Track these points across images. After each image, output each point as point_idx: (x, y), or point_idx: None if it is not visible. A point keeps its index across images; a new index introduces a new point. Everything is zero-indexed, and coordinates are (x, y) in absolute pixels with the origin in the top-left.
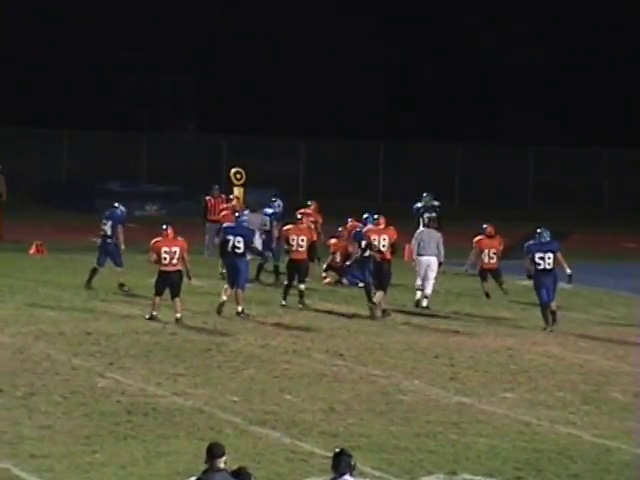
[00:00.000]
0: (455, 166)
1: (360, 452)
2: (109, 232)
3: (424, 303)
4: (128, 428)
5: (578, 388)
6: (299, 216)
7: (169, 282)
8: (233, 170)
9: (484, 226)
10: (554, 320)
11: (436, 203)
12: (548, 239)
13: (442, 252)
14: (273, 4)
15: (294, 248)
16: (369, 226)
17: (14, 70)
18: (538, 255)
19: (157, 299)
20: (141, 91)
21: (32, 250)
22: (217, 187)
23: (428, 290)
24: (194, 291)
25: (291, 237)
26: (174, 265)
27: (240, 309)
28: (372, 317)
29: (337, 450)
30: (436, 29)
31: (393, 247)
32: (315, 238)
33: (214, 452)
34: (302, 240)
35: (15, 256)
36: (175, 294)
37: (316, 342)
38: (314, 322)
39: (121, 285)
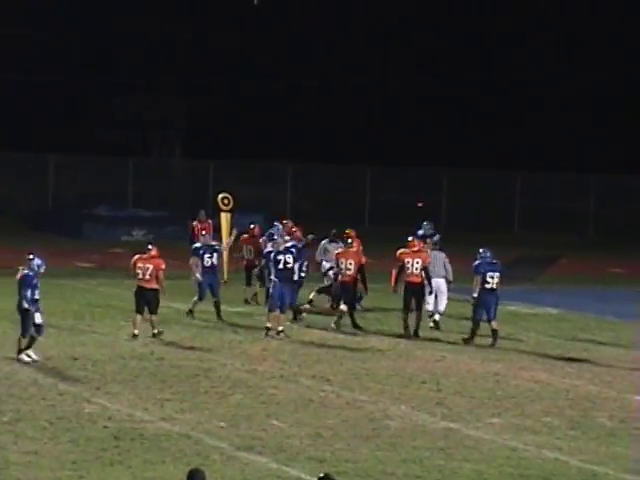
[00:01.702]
0: (442, 190)
1: (347, 477)
2: None
3: (436, 317)
4: (115, 454)
5: (565, 413)
6: (349, 240)
7: (145, 299)
8: (220, 195)
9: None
10: (495, 339)
11: (434, 233)
12: (493, 260)
13: (450, 272)
14: (261, 29)
15: (343, 271)
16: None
17: None
18: (489, 274)
19: (137, 317)
20: (128, 115)
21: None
22: (203, 212)
23: (441, 307)
24: (181, 316)
25: (340, 260)
26: (147, 281)
27: (280, 329)
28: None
29: (321, 475)
30: (427, 51)
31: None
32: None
33: (195, 478)
34: (350, 264)
35: (2, 281)
36: (152, 311)
37: (303, 367)
38: (301, 348)
39: None
